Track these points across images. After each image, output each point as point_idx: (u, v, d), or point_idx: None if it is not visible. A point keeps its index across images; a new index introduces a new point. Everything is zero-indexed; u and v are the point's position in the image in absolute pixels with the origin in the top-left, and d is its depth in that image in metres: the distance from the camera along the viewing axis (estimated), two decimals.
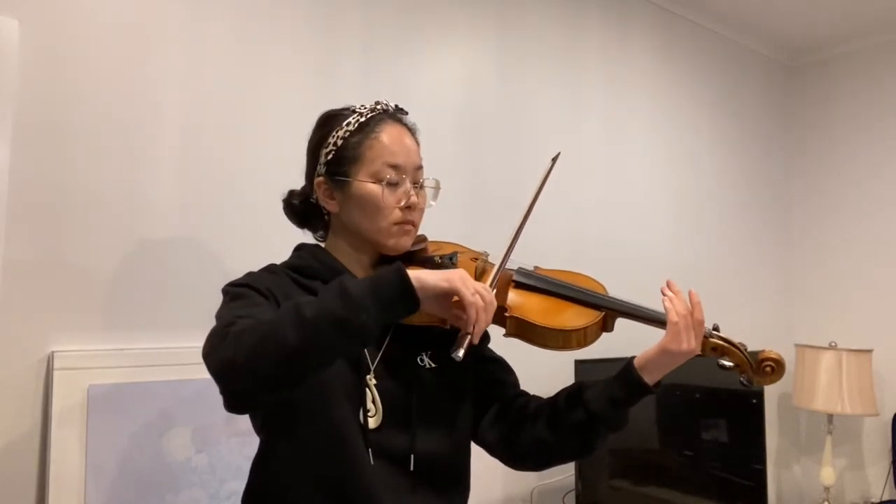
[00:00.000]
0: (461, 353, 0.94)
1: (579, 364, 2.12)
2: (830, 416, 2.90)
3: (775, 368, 1.12)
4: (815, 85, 3.43)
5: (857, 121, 3.26)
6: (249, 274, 1.11)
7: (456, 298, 0.95)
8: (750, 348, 1.15)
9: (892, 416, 2.95)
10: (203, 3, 1.69)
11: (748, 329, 2.97)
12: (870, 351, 2.86)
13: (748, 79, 3.27)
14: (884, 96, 3.18)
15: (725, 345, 1.12)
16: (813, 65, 3.44)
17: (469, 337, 0.95)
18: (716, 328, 1.14)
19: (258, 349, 0.87)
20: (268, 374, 0.88)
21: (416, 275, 0.93)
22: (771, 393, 3.10)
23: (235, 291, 1.04)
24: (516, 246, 1.14)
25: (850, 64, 3.31)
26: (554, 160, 1.22)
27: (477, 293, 0.95)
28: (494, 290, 1.02)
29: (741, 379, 1.13)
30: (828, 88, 3.39)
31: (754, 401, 2.78)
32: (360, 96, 1.21)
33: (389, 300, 0.91)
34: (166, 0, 1.63)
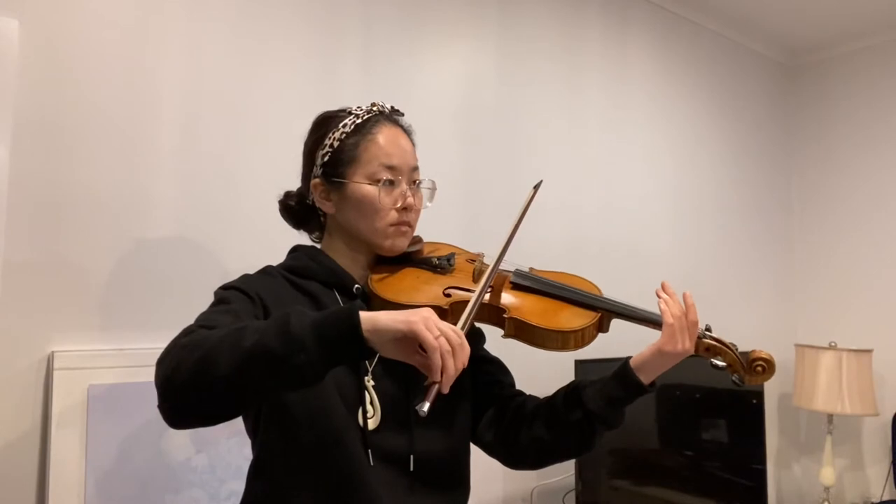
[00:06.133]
0: (426, 407, 0.81)
1: (579, 364, 2.12)
2: (830, 416, 2.90)
3: (766, 368, 1.14)
4: (815, 85, 3.43)
5: (857, 121, 3.27)
6: (244, 276, 1.11)
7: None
8: (750, 348, 1.17)
9: (892, 416, 2.95)
10: (203, 2, 1.69)
11: (748, 329, 2.95)
12: (870, 351, 2.86)
13: (748, 79, 3.27)
14: (883, 97, 3.18)
15: (718, 345, 1.15)
16: (812, 65, 3.44)
17: (436, 387, 0.83)
18: (708, 329, 1.16)
19: (193, 373, 0.83)
20: (198, 401, 0.85)
21: (372, 316, 0.84)
22: (771, 393, 3.11)
23: (221, 295, 1.04)
24: (511, 247, 1.14)
25: (849, 64, 3.31)
26: (535, 188, 1.21)
27: (442, 335, 0.84)
28: (466, 330, 0.90)
29: (733, 378, 1.15)
30: (827, 89, 3.39)
31: (754, 401, 2.78)
32: (360, 96, 1.21)
33: (333, 342, 0.83)
34: (166, 0, 1.64)
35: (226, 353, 0.82)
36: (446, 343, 0.84)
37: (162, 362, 0.88)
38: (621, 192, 2.65)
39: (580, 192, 2.51)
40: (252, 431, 1.12)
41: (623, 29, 2.70)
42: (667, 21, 2.88)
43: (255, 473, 1.11)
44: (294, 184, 1.23)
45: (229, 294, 1.04)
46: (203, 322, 0.95)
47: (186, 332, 0.92)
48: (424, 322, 0.84)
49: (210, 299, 1.07)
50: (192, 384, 0.83)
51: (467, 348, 0.86)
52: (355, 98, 1.20)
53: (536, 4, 2.41)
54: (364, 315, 0.83)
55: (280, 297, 1.07)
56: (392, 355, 0.87)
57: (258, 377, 0.83)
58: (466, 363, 0.86)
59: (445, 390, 0.84)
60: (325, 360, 0.83)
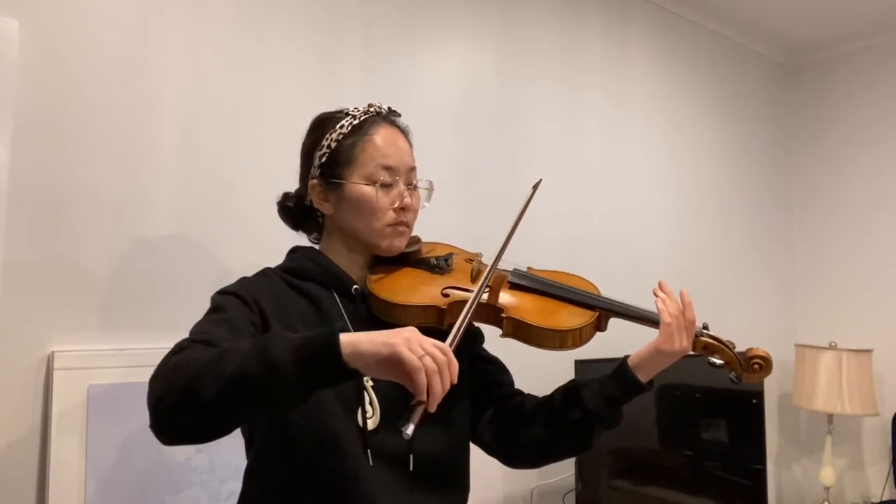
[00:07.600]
0: (410, 429, 0.79)
1: (579, 364, 2.12)
2: (830, 416, 2.90)
3: (763, 366, 1.15)
4: (815, 85, 3.43)
5: (857, 121, 3.27)
6: (241, 280, 1.11)
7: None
8: (748, 347, 1.17)
9: (892, 416, 2.95)
10: (203, 2, 1.69)
11: (748, 329, 2.95)
12: (870, 351, 2.86)
13: (748, 79, 3.27)
14: (883, 96, 3.19)
15: (715, 343, 1.15)
16: (812, 65, 3.44)
17: (423, 407, 0.80)
18: (706, 327, 1.16)
19: (180, 399, 0.83)
20: (188, 425, 0.86)
21: (353, 339, 0.82)
22: (771, 393, 3.11)
23: (218, 301, 1.04)
24: (510, 247, 1.14)
25: (849, 64, 3.31)
26: (535, 187, 1.21)
27: (427, 355, 0.81)
28: (455, 346, 0.88)
29: (730, 376, 1.16)
30: (827, 89, 3.39)
31: (754, 401, 2.78)
32: (360, 96, 1.22)
33: (313, 367, 0.81)
34: (166, 0, 1.64)
35: (209, 380, 0.82)
36: (431, 362, 0.81)
37: (154, 382, 0.88)
38: (621, 191, 2.65)
39: (580, 192, 2.51)
40: (248, 434, 1.12)
41: (623, 29, 2.70)
42: (667, 21, 2.88)
43: (253, 475, 1.11)
44: (295, 184, 1.23)
45: (225, 300, 1.03)
46: (197, 335, 0.94)
47: (179, 347, 0.91)
48: (406, 343, 0.81)
49: (210, 300, 1.07)
50: (181, 410, 0.84)
51: (455, 365, 0.84)
52: (355, 98, 1.20)
53: (536, 4, 2.41)
54: (345, 339, 0.81)
55: (278, 300, 1.07)
56: (379, 376, 0.84)
57: (241, 403, 0.84)
58: (455, 380, 0.83)
59: (432, 409, 0.82)
60: (305, 384, 0.83)
